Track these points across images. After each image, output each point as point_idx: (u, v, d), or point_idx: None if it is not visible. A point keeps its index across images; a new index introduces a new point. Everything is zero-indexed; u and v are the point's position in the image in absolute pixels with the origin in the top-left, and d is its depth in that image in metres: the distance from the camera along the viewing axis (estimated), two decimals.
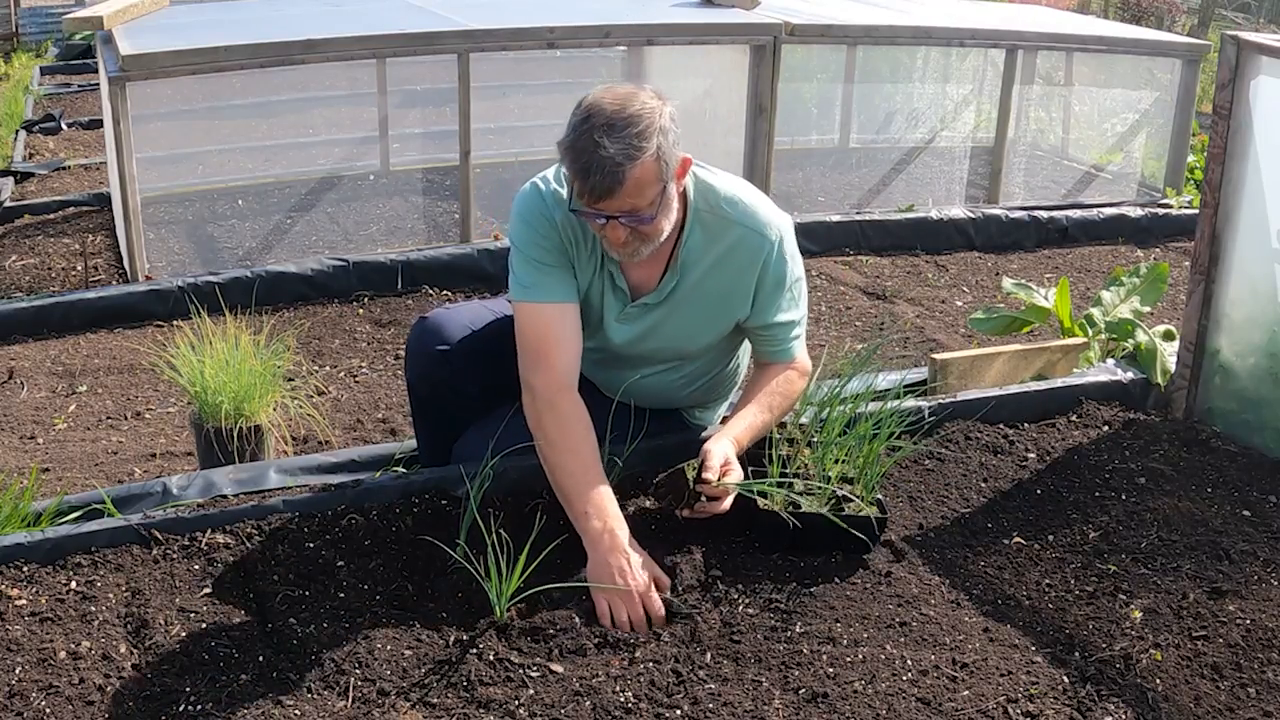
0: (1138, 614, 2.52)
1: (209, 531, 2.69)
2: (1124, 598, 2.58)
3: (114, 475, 3.52)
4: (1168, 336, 3.74)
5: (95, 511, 2.84)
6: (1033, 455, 3.20)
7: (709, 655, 2.33)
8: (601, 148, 2.38)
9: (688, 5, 6.30)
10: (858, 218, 5.93)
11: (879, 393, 3.13)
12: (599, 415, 2.73)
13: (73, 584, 2.52)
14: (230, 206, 6.11)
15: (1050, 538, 2.82)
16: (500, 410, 2.87)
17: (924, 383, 3.56)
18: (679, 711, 2.18)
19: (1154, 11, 15.36)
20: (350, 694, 2.21)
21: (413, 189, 6.44)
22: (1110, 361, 3.73)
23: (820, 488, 2.70)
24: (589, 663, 2.31)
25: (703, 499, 2.61)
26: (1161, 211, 6.39)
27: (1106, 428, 3.37)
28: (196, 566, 2.59)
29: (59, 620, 2.41)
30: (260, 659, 2.30)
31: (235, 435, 3.18)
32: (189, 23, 5.80)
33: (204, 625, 2.39)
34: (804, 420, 2.93)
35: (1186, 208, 6.44)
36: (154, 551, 2.63)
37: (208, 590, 2.52)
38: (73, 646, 2.33)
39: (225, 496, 2.90)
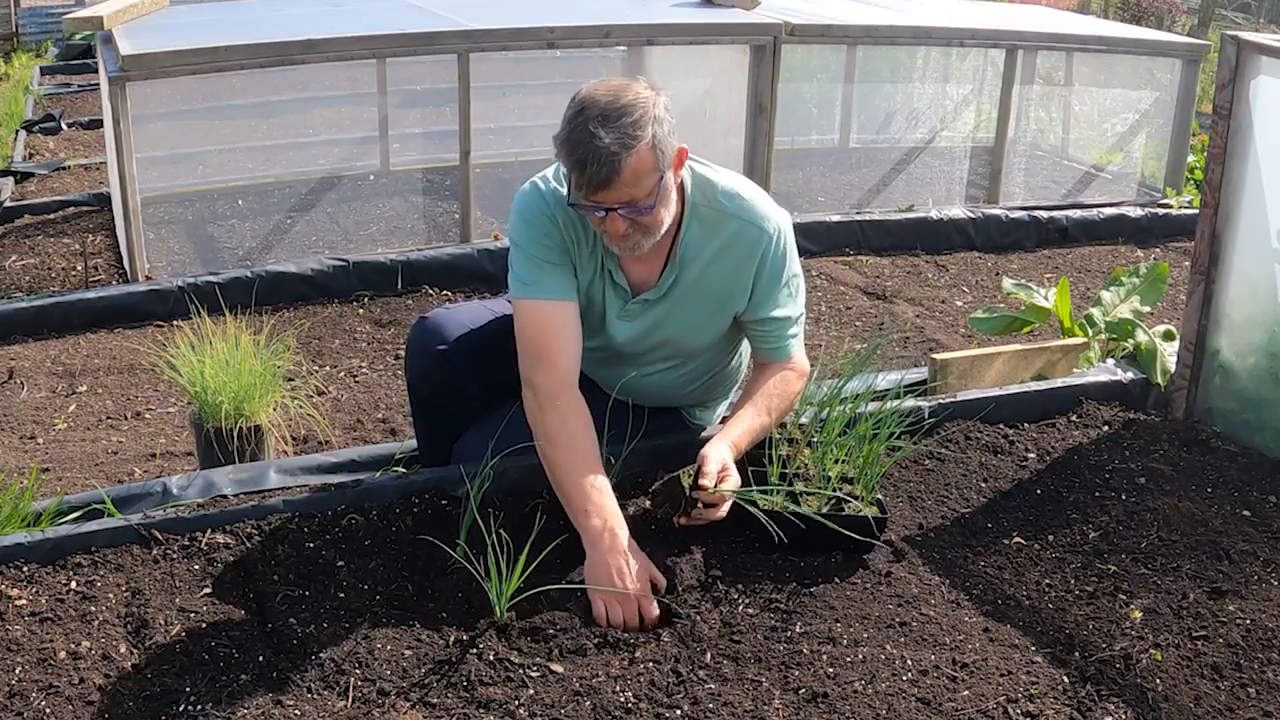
0: (1138, 614, 2.52)
1: (209, 531, 2.69)
2: (1124, 598, 2.58)
3: (114, 475, 3.52)
4: (1168, 336, 3.74)
5: (95, 511, 2.84)
6: (1033, 455, 3.20)
7: (709, 655, 2.33)
8: (597, 138, 2.38)
9: (688, 5, 6.30)
10: (858, 218, 5.93)
11: (879, 393, 3.13)
12: (598, 413, 2.73)
13: (73, 584, 2.53)
14: (230, 206, 6.12)
15: (1050, 538, 2.82)
16: (500, 410, 2.87)
17: (924, 383, 3.56)
18: (679, 711, 2.18)
19: (1154, 11, 15.36)
20: (350, 694, 2.21)
21: (413, 189, 6.44)
22: (1110, 361, 3.73)
23: (820, 488, 2.70)
24: (589, 663, 2.31)
25: (699, 506, 2.60)
26: (1161, 211, 6.39)
27: (1106, 428, 3.37)
28: (196, 566, 2.59)
29: (59, 620, 2.41)
30: (260, 659, 2.30)
31: (235, 435, 3.18)
32: (189, 23, 5.80)
33: (204, 625, 2.39)
34: (804, 420, 2.93)
35: (1186, 208, 6.44)
36: (154, 551, 2.63)
37: (208, 590, 2.52)
38: (73, 646, 2.33)
39: (225, 496, 2.90)
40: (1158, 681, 2.32)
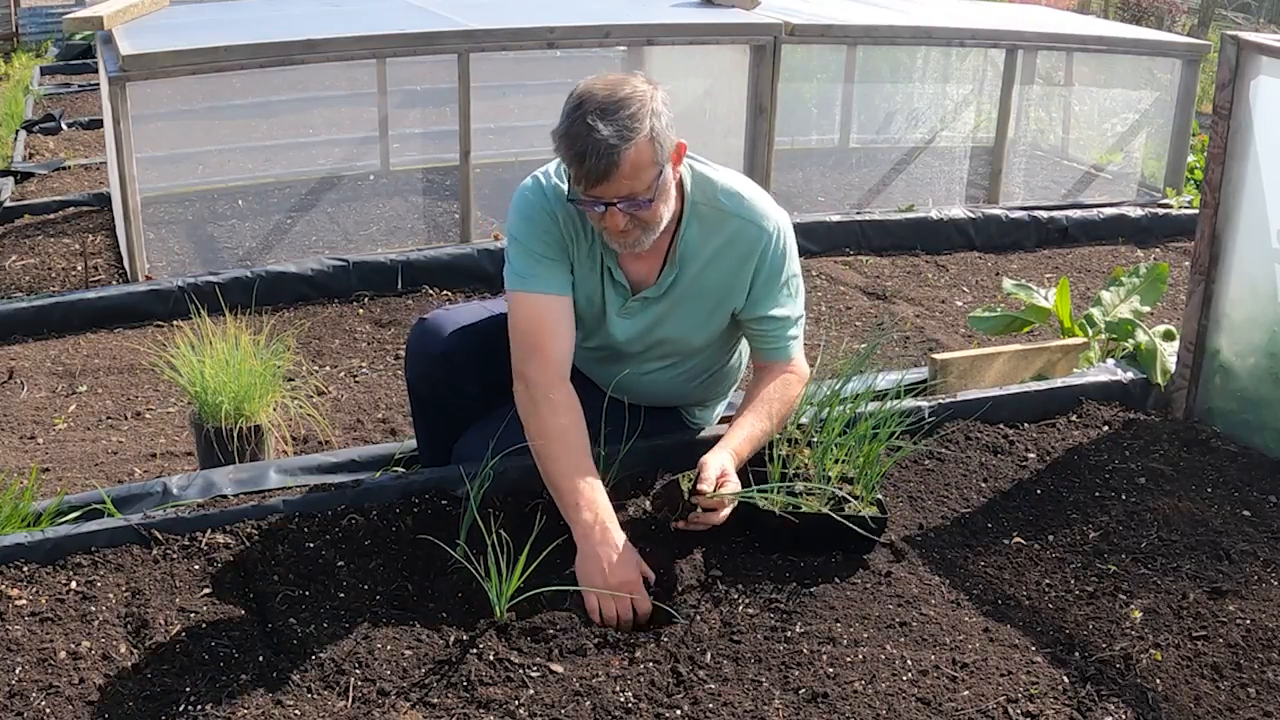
0: (1138, 614, 2.52)
1: (209, 531, 2.69)
2: (1124, 598, 2.58)
3: (114, 475, 3.52)
4: (1168, 336, 3.74)
5: (95, 511, 2.84)
6: (1033, 455, 3.20)
7: (709, 655, 2.33)
8: (596, 131, 2.39)
9: (688, 5, 6.30)
10: (858, 218, 5.93)
11: (879, 393, 3.13)
12: (597, 412, 2.74)
13: (73, 584, 2.53)
14: (230, 206, 6.12)
15: (1050, 538, 2.82)
16: (500, 410, 2.87)
17: (924, 383, 3.56)
18: (679, 711, 2.18)
19: (1154, 11, 15.36)
20: (350, 694, 2.21)
21: (413, 189, 6.44)
22: (1110, 361, 3.73)
23: (820, 488, 2.70)
24: (589, 663, 2.31)
25: (698, 510, 2.60)
26: (1161, 211, 6.39)
27: (1106, 428, 3.37)
28: (196, 566, 2.59)
29: (59, 620, 2.41)
30: (260, 659, 2.30)
31: (235, 435, 3.18)
32: (189, 23, 5.80)
33: (204, 625, 2.39)
34: (804, 420, 2.93)
35: (1186, 208, 6.44)
36: (154, 551, 2.63)
37: (208, 590, 2.52)
38: (73, 646, 2.33)
39: (225, 496, 2.90)
40: (1158, 681, 2.32)
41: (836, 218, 5.89)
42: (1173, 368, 3.59)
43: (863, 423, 2.83)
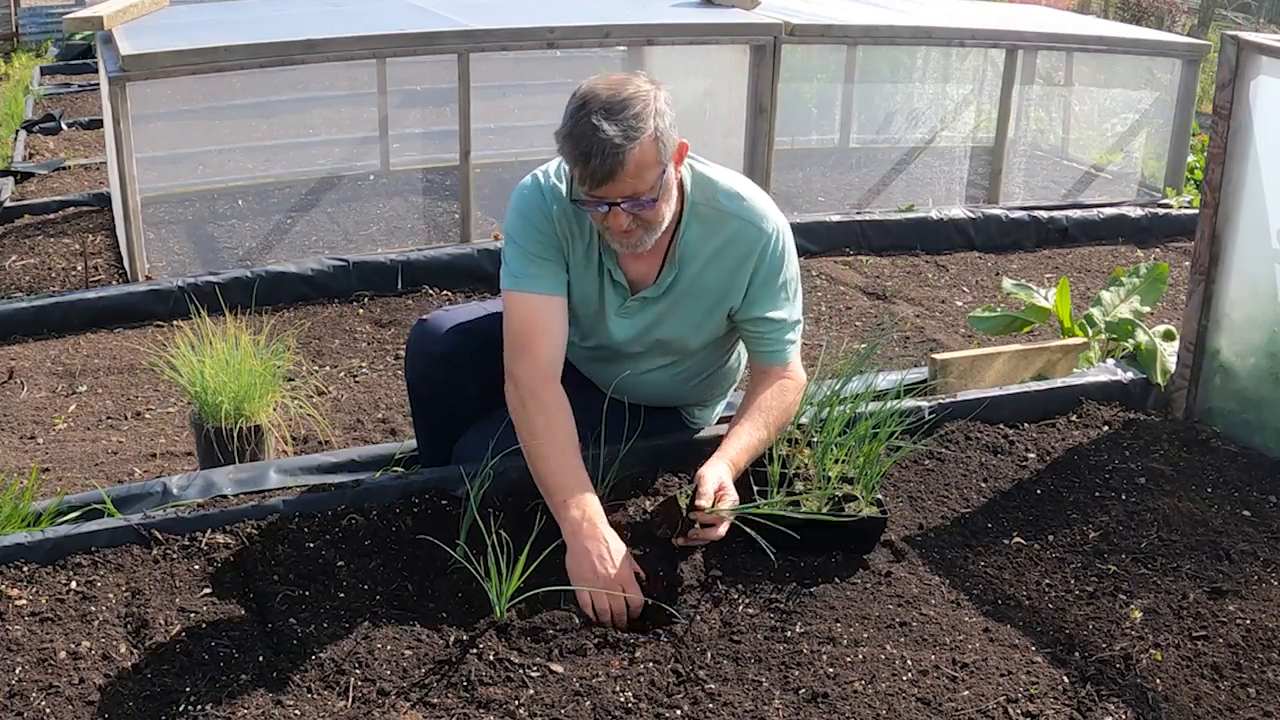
0: (1138, 614, 2.52)
1: (209, 531, 2.69)
2: (1124, 598, 2.58)
3: (114, 475, 3.52)
4: (1168, 336, 3.74)
5: (95, 511, 2.84)
6: (1033, 455, 3.20)
7: (709, 655, 2.33)
8: (600, 131, 2.38)
9: (688, 5, 6.30)
10: (858, 218, 5.93)
11: (879, 392, 3.13)
12: (596, 412, 2.74)
13: (73, 584, 2.53)
14: (230, 206, 6.12)
15: (1050, 538, 2.82)
16: (500, 410, 2.86)
17: (924, 382, 3.56)
18: (679, 711, 2.18)
19: (1154, 11, 15.36)
20: (350, 694, 2.21)
21: (413, 189, 6.44)
22: (1110, 361, 3.73)
23: (820, 488, 2.70)
24: (589, 663, 2.31)
25: (697, 526, 2.58)
26: (1161, 211, 6.39)
27: (1106, 428, 3.37)
28: (196, 566, 2.59)
29: (59, 620, 2.41)
30: (260, 659, 2.30)
31: (235, 435, 3.18)
32: (189, 23, 5.80)
33: (204, 625, 2.39)
34: (804, 420, 2.93)
35: (1186, 208, 6.44)
36: (154, 551, 2.63)
37: (208, 590, 2.52)
38: (73, 646, 2.33)
39: (225, 496, 2.90)
40: (1158, 681, 2.32)
41: (836, 218, 5.89)
42: (1173, 368, 3.59)
43: (863, 423, 2.83)
